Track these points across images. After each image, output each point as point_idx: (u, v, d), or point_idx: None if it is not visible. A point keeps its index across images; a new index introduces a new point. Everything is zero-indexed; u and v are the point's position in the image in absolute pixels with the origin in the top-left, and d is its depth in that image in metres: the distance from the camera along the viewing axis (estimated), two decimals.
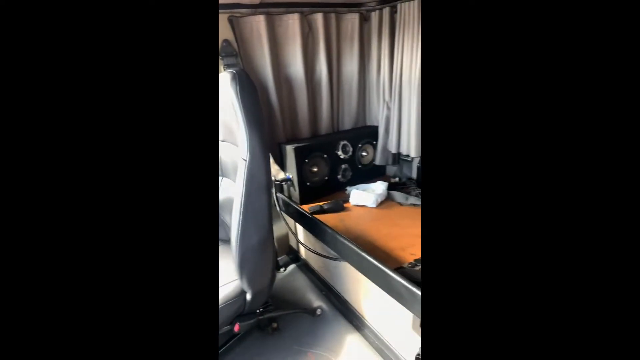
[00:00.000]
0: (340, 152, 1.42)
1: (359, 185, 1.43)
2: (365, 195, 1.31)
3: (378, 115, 1.52)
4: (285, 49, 1.32)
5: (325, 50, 1.38)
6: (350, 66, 1.48)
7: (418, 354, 0.86)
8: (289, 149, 1.29)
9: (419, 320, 0.85)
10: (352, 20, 1.41)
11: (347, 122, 1.58)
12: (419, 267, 0.89)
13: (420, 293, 0.72)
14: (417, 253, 0.96)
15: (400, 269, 0.86)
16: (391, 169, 1.62)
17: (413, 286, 0.75)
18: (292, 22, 1.29)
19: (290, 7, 1.27)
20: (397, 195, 1.35)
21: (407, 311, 0.82)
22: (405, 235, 1.08)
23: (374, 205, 1.30)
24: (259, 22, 1.22)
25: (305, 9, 1.30)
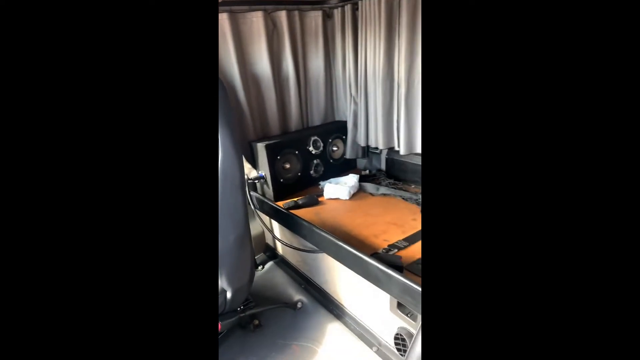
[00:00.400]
0: (311, 148, 1.45)
1: (332, 179, 1.46)
2: (338, 188, 1.35)
3: (346, 110, 1.55)
4: (251, 47, 1.32)
5: (290, 48, 1.39)
6: (316, 63, 1.51)
7: (397, 334, 0.91)
8: (260, 147, 1.30)
9: (395, 302, 0.89)
10: (315, 18, 1.43)
11: (317, 118, 1.61)
12: (392, 252, 0.93)
13: (395, 275, 0.77)
14: (390, 239, 1.01)
15: (375, 255, 0.90)
16: (361, 162, 1.67)
17: (388, 269, 0.79)
18: (256, 20, 1.29)
19: (253, 5, 1.27)
20: (369, 186, 1.40)
21: (384, 294, 0.86)
22: (378, 223, 1.13)
23: (347, 198, 1.34)
24: (222, 21, 1.21)
25: (268, 7, 1.31)
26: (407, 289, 0.74)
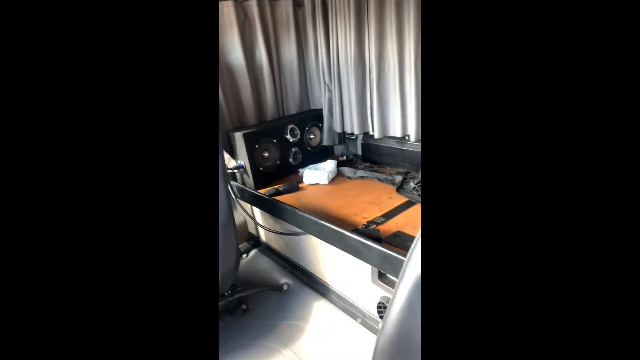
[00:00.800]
0: (289, 136, 1.48)
1: (311, 166, 1.50)
2: (317, 174, 1.39)
3: (321, 98, 1.59)
4: (223, 37, 1.33)
5: (262, 37, 1.40)
6: (289, 52, 1.53)
7: (379, 303, 0.97)
8: (238, 136, 1.31)
9: (377, 273, 0.95)
10: (285, 7, 1.45)
11: (292, 107, 1.64)
12: (371, 227, 0.99)
13: (375, 246, 0.82)
14: (369, 216, 1.07)
15: (355, 230, 0.96)
16: (338, 149, 1.72)
17: (368, 241, 0.84)
18: (227, 10, 1.29)
19: None
20: (347, 170, 1.45)
21: (366, 268, 0.92)
22: (357, 204, 1.18)
23: (327, 182, 1.38)
24: None
25: None
26: (386, 258, 0.80)
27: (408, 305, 0.55)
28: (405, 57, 1.19)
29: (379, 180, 1.36)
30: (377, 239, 0.88)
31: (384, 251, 0.80)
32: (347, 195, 1.26)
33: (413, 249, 0.56)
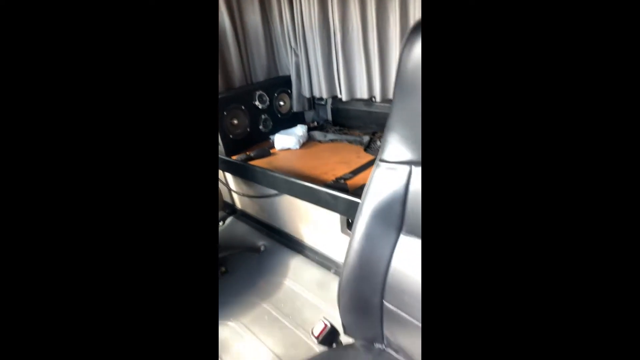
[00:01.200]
0: (257, 103, 1.48)
1: (282, 131, 1.52)
2: (288, 139, 1.42)
3: (288, 64, 1.59)
4: None
5: (225, 3, 1.37)
6: (253, 17, 1.50)
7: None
8: None
9: (345, 222, 1.02)
10: None
11: (260, 74, 1.63)
12: (340, 182, 1.04)
13: (342, 196, 0.88)
14: (338, 174, 1.12)
15: (325, 185, 1.01)
16: (309, 115, 1.74)
17: (336, 192, 0.90)
18: None
19: None
20: (317, 134, 1.48)
21: (335, 221, 0.98)
22: (327, 164, 1.23)
23: (298, 147, 1.41)
24: None
25: None
26: (352, 205, 0.86)
27: (366, 235, 0.61)
28: (368, 17, 1.20)
29: (348, 142, 1.40)
30: (344, 190, 0.93)
31: (349, 199, 0.86)
32: (318, 157, 1.30)
33: (368, 187, 0.62)
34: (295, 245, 1.31)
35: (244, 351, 1.03)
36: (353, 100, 1.43)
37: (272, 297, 1.14)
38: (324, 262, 1.20)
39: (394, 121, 0.56)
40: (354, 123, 1.54)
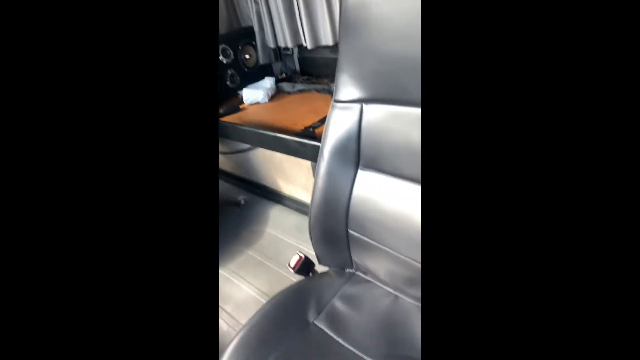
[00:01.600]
0: (221, 57, 1.44)
1: (250, 85, 1.50)
2: (256, 92, 1.41)
3: (249, 13, 1.52)
4: None
5: None
6: None
7: None
8: None
9: (316, 167, 1.07)
10: None
11: (221, 26, 1.56)
12: (309, 130, 1.08)
13: (310, 142, 0.92)
14: (307, 123, 1.15)
15: (294, 134, 1.04)
16: (277, 67, 1.71)
17: (304, 139, 0.94)
18: None
19: None
20: (285, 85, 1.48)
21: (307, 167, 1.03)
22: (296, 115, 1.25)
23: (267, 100, 1.41)
24: None
25: None
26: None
27: (328, 173, 0.67)
28: None
29: (317, 91, 1.41)
30: (312, 137, 0.97)
31: (318, 145, 0.90)
32: (287, 109, 1.31)
33: (327, 129, 0.66)
34: (273, 196, 1.37)
35: (233, 292, 1.13)
36: (319, 48, 1.41)
37: (256, 244, 1.23)
38: (301, 208, 1.28)
39: (343, 62, 0.59)
40: (322, 71, 1.53)
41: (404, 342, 0.63)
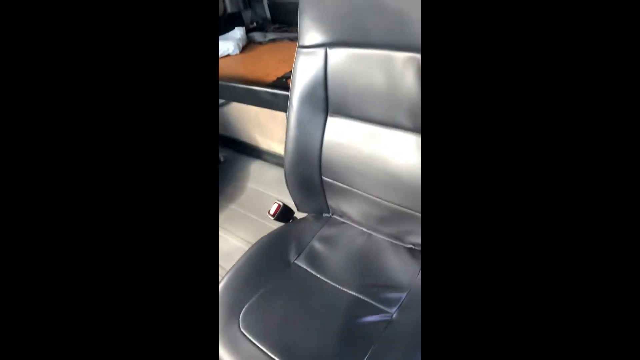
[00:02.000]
0: None
1: (219, 37, 1.43)
2: (226, 44, 1.35)
3: None
4: None
5: None
6: None
7: None
8: None
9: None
10: None
11: None
12: (282, 81, 1.06)
13: (282, 93, 0.91)
14: (279, 74, 1.13)
15: (266, 85, 1.03)
16: (247, 16, 1.61)
17: (276, 90, 0.93)
18: None
19: None
20: (257, 35, 1.41)
21: (281, 117, 1.02)
22: (268, 65, 1.21)
23: (238, 51, 1.36)
24: None
25: None
26: None
27: (298, 122, 0.68)
28: None
29: (289, 39, 1.36)
30: (285, 87, 0.96)
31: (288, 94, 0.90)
32: (259, 60, 1.27)
33: (294, 77, 0.66)
34: (252, 152, 1.38)
35: (220, 245, 1.18)
36: None
37: (239, 199, 1.26)
38: (280, 162, 1.30)
39: (304, 3, 0.57)
40: (294, 19, 1.45)
41: (377, 272, 0.69)
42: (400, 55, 0.52)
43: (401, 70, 0.53)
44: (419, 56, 0.50)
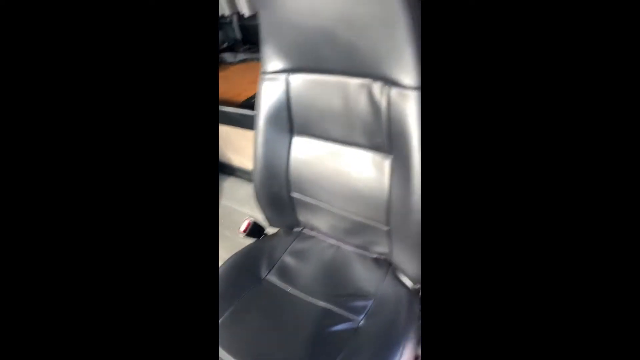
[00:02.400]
0: None
1: None
2: None
3: None
4: None
5: None
6: None
7: None
8: None
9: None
10: None
11: None
12: (251, 101, 1.10)
13: (249, 113, 0.95)
14: (249, 94, 1.17)
15: (236, 106, 1.06)
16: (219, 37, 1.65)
17: (244, 111, 0.96)
18: None
19: None
20: (227, 55, 1.45)
21: (251, 136, 1.05)
22: (238, 86, 1.25)
23: None
24: None
25: None
26: None
27: (265, 141, 0.72)
28: None
29: (259, 60, 1.41)
30: (252, 108, 1.00)
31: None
32: (229, 81, 1.31)
33: (258, 100, 0.69)
34: (225, 169, 1.40)
35: None
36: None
37: None
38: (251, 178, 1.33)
39: (265, 33, 0.62)
40: None
41: (345, 282, 0.73)
42: (353, 81, 0.57)
43: (355, 95, 0.58)
44: (370, 82, 0.55)
